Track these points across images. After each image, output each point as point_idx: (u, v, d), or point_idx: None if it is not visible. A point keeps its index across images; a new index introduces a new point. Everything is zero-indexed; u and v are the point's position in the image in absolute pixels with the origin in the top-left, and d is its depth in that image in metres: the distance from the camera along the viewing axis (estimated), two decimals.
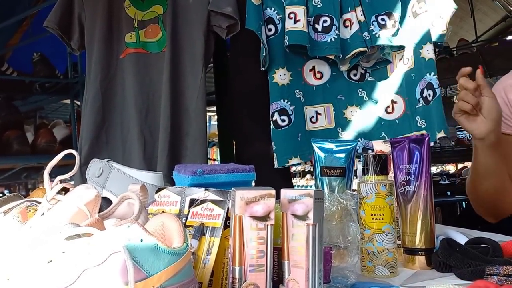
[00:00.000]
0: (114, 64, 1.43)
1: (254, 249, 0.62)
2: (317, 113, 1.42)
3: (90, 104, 1.41)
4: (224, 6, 1.38)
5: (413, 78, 1.38)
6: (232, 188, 0.65)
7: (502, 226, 1.14)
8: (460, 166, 5.88)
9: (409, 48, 1.40)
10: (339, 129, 1.43)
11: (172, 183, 0.87)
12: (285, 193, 0.66)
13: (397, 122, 1.41)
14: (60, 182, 0.59)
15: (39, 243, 0.45)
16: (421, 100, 1.37)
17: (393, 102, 1.41)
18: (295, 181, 7.75)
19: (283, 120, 1.37)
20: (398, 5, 1.39)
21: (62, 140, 2.95)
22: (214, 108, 1.92)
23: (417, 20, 1.38)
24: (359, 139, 1.40)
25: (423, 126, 1.36)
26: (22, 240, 0.53)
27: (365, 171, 0.85)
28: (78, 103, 3.11)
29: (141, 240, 0.47)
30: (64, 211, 0.56)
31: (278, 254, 0.67)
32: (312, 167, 1.45)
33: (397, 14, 1.38)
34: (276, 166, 1.36)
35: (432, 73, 1.35)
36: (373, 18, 1.38)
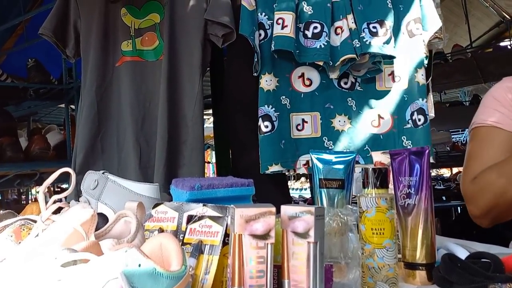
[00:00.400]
0: (110, 72, 1.42)
1: (254, 269, 0.61)
2: (303, 120, 1.41)
3: (85, 112, 1.39)
4: (220, 15, 1.37)
5: (406, 99, 1.40)
6: (232, 206, 0.63)
7: (497, 229, 1.12)
8: (455, 170, 5.90)
9: (400, 65, 1.41)
10: (325, 139, 1.42)
11: (170, 193, 0.86)
12: (285, 209, 0.65)
13: (381, 137, 1.40)
14: (55, 202, 0.57)
15: (34, 269, 0.43)
16: (410, 121, 1.38)
17: (380, 117, 1.41)
18: (289, 184, 7.73)
19: (266, 126, 1.36)
20: (390, 14, 1.39)
21: (56, 145, 2.92)
22: (210, 111, 1.91)
23: (412, 40, 1.39)
24: (344, 151, 1.39)
25: (408, 147, 1.36)
26: (15, 263, 0.51)
27: (365, 185, 0.84)
28: (73, 106, 3.09)
29: (139, 265, 0.46)
30: (59, 231, 0.55)
31: (278, 272, 0.66)
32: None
33: (389, 23, 1.38)
34: (260, 172, 1.35)
35: (424, 99, 1.36)
36: (364, 26, 1.37)
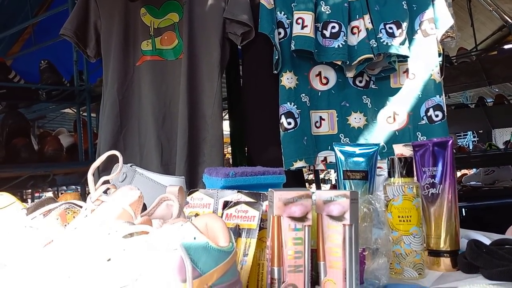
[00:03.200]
0: (130, 71, 1.45)
1: (292, 250, 0.63)
2: (321, 118, 1.44)
3: (107, 112, 1.42)
4: (239, 13, 1.40)
5: (420, 96, 1.42)
6: (269, 189, 0.66)
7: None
8: (459, 173, 5.91)
9: (415, 63, 1.43)
10: (342, 135, 1.44)
11: (190, 189, 0.88)
12: (320, 194, 0.67)
13: (397, 133, 1.43)
14: (104, 183, 0.59)
15: (96, 241, 0.46)
16: (424, 118, 1.40)
17: (395, 113, 1.44)
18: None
19: (289, 123, 1.38)
20: (406, 15, 1.42)
21: (66, 148, 2.94)
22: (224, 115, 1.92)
23: (427, 39, 1.42)
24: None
25: None
26: (70, 241, 0.53)
27: (391, 174, 0.86)
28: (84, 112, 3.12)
29: (194, 238, 0.48)
30: (109, 211, 0.57)
31: (313, 255, 0.68)
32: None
33: (405, 23, 1.41)
34: (284, 168, 1.37)
35: (441, 96, 1.39)
36: (381, 26, 1.40)
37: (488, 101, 4.89)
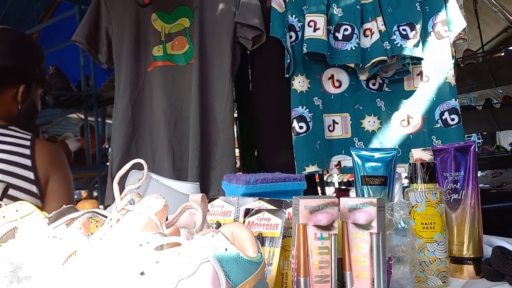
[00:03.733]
0: (142, 77, 1.44)
1: (319, 259, 0.62)
2: (334, 121, 1.43)
3: (120, 117, 1.41)
4: (250, 17, 1.39)
5: (434, 99, 1.41)
6: (294, 197, 0.64)
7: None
8: None
9: (429, 66, 1.42)
10: (356, 139, 1.43)
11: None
12: (345, 201, 0.66)
13: (411, 137, 1.42)
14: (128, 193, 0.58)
15: (128, 253, 0.44)
16: (439, 121, 1.39)
17: (409, 117, 1.43)
18: None
19: (301, 127, 1.37)
20: (419, 17, 1.40)
21: (75, 152, 2.95)
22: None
23: (440, 42, 1.41)
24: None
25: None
26: (96, 251, 0.52)
27: (413, 180, 0.84)
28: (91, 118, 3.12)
29: (226, 249, 0.47)
30: (134, 221, 0.56)
31: (338, 264, 0.66)
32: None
33: (419, 25, 1.39)
34: (296, 173, 1.36)
35: (457, 100, 1.38)
36: (394, 28, 1.38)
37: (494, 102, 4.86)
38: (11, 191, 1.15)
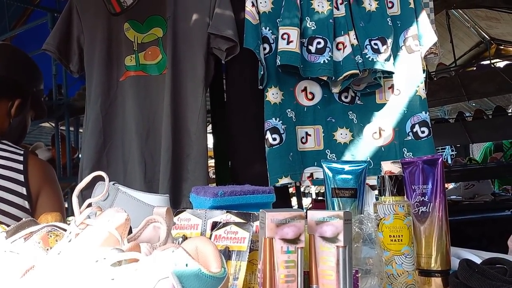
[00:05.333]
0: (114, 87, 1.42)
1: (285, 273, 0.61)
2: (307, 133, 1.43)
3: (91, 128, 1.39)
4: (224, 29, 1.39)
5: (405, 112, 1.43)
6: (261, 210, 0.64)
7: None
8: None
9: (400, 79, 1.44)
10: (328, 151, 1.44)
11: (174, 206, 0.86)
12: (313, 214, 0.65)
13: (383, 149, 1.43)
14: (88, 206, 0.56)
15: (84, 269, 0.43)
16: (410, 134, 1.41)
17: (380, 129, 1.44)
18: None
19: (274, 139, 1.37)
20: (390, 32, 1.43)
21: None
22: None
23: (411, 56, 1.44)
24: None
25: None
26: (54, 267, 0.50)
27: (382, 192, 0.85)
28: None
29: (186, 265, 0.46)
30: (94, 236, 0.54)
31: (305, 278, 0.66)
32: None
33: (390, 40, 1.42)
34: (269, 185, 1.35)
35: (427, 113, 1.40)
36: (366, 42, 1.40)
37: (466, 115, 4.98)
38: (3, 206, 1.15)
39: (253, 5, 1.38)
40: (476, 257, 0.94)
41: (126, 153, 1.41)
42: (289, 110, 1.41)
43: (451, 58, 5.16)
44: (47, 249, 0.60)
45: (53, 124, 3.11)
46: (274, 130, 1.37)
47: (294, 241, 0.62)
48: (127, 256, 0.44)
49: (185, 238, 0.71)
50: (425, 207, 0.87)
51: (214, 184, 1.71)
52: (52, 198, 1.25)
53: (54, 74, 2.86)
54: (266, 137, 1.36)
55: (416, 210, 0.89)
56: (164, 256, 0.45)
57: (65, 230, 0.62)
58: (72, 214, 1.53)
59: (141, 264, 0.43)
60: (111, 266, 0.43)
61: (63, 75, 2.83)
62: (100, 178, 0.66)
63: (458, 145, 8.29)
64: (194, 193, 0.80)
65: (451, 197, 4.07)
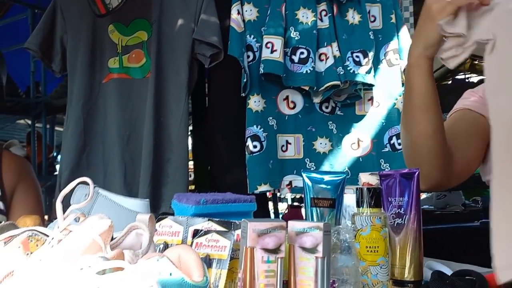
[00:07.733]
0: (96, 88, 1.41)
1: (264, 283, 0.62)
2: (287, 142, 1.45)
3: (71, 129, 1.38)
4: (209, 35, 1.40)
5: (384, 124, 1.46)
6: (243, 220, 0.65)
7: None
8: (423, 196, 6.06)
9: (380, 92, 1.48)
10: (307, 160, 1.46)
11: (153, 210, 0.86)
12: (293, 225, 0.67)
13: (361, 160, 1.46)
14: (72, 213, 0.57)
15: (69, 277, 0.43)
16: (388, 145, 1.44)
17: (359, 140, 1.48)
18: None
19: (255, 146, 1.38)
20: (372, 45, 1.46)
21: None
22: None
23: (391, 69, 1.47)
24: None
25: (385, 170, 1.42)
26: (35, 273, 0.50)
27: (359, 204, 0.87)
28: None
29: (170, 274, 0.46)
30: (77, 242, 0.54)
31: (284, 287, 0.67)
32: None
33: (371, 53, 1.45)
34: (248, 192, 1.37)
35: None
36: (348, 54, 1.43)
37: None
38: None
39: (238, 13, 1.40)
40: (447, 268, 0.97)
41: (106, 155, 1.41)
42: (271, 118, 1.42)
43: None
44: (28, 254, 0.60)
45: (29, 122, 3.07)
46: (255, 137, 1.38)
47: (275, 251, 0.63)
48: (112, 265, 0.44)
49: (166, 244, 0.72)
50: (400, 219, 0.90)
51: (193, 186, 1.71)
52: (29, 194, 1.21)
53: (33, 71, 2.82)
54: (247, 144, 1.38)
55: (392, 222, 0.91)
56: (149, 265, 0.45)
57: (46, 235, 0.62)
58: (48, 214, 1.51)
59: (126, 273, 0.44)
60: (97, 274, 0.43)
61: (42, 72, 2.80)
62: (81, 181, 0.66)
63: None
64: (176, 200, 0.80)
65: (424, 206, 4.14)
